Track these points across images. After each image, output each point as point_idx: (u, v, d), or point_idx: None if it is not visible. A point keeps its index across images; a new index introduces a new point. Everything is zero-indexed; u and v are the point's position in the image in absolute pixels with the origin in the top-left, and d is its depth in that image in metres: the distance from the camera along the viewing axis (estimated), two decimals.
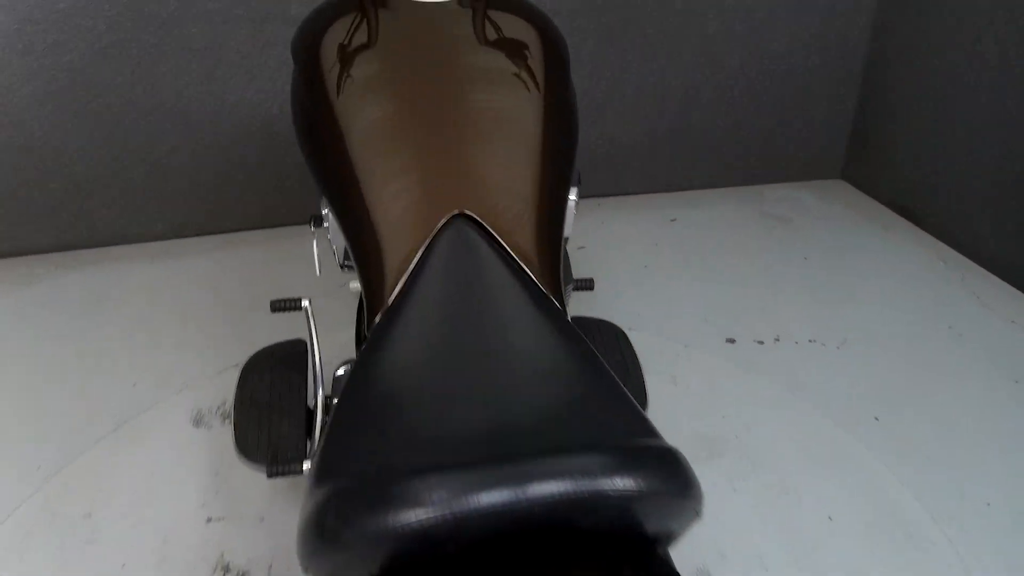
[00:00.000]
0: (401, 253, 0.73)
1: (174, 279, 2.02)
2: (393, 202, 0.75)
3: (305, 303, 1.18)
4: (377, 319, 0.69)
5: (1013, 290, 1.96)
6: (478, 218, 0.74)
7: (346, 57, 0.86)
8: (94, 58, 1.93)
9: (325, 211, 0.96)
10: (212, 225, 2.24)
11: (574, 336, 0.64)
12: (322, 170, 0.83)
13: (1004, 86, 1.91)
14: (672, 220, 2.39)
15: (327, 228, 0.97)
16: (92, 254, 2.15)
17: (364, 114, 0.82)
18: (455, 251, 0.70)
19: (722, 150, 2.52)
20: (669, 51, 2.32)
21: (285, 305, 1.17)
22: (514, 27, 0.89)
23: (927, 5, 2.16)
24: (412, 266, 0.71)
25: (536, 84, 0.84)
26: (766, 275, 2.08)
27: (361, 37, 0.88)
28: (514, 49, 0.87)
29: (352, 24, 0.89)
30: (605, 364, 0.62)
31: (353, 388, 0.60)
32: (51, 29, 1.88)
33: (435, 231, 0.73)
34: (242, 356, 1.72)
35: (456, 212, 0.74)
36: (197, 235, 2.25)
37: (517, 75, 0.84)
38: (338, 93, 0.83)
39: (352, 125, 0.81)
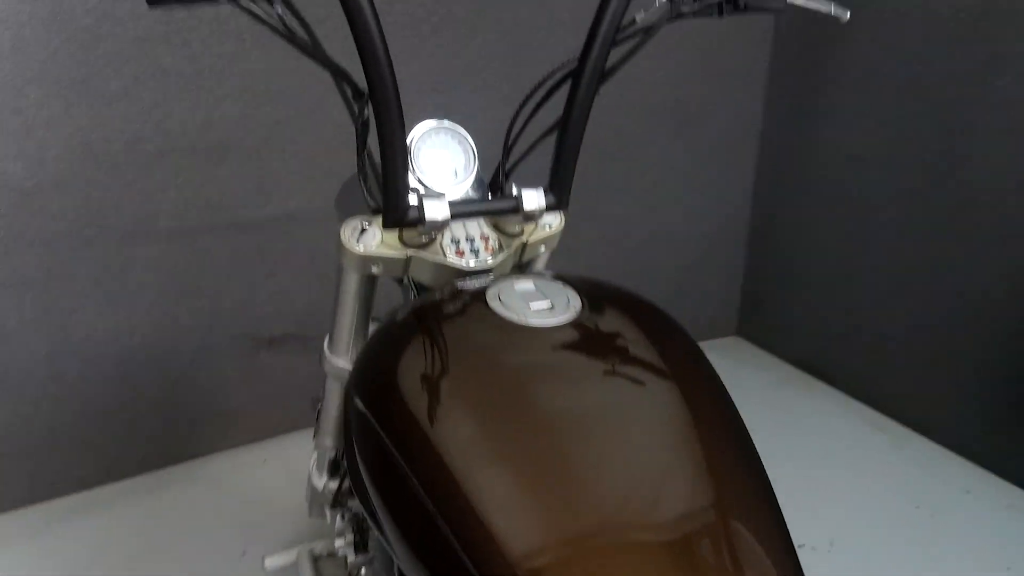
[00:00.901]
0: None
1: None
2: None
3: None
4: None
5: (953, 455, 1.99)
6: None
7: (439, 387, 0.61)
8: None
9: None
10: (36, 493, 1.72)
11: None
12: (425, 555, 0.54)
13: (899, 245, 2.02)
14: None
15: None
16: None
17: (492, 471, 0.55)
18: None
19: None
20: (577, 232, 2.23)
21: None
22: (655, 346, 0.68)
23: (800, 174, 2.29)
24: None
25: (716, 425, 0.63)
26: None
27: (452, 360, 0.64)
28: (673, 381, 0.65)
29: (433, 347, 0.65)
30: None
31: None
32: None
33: None
34: None
35: None
36: (17, 508, 1.70)
37: (690, 418, 0.62)
38: (436, 429, 0.58)
39: (481, 489, 0.54)
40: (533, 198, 0.79)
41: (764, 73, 2.35)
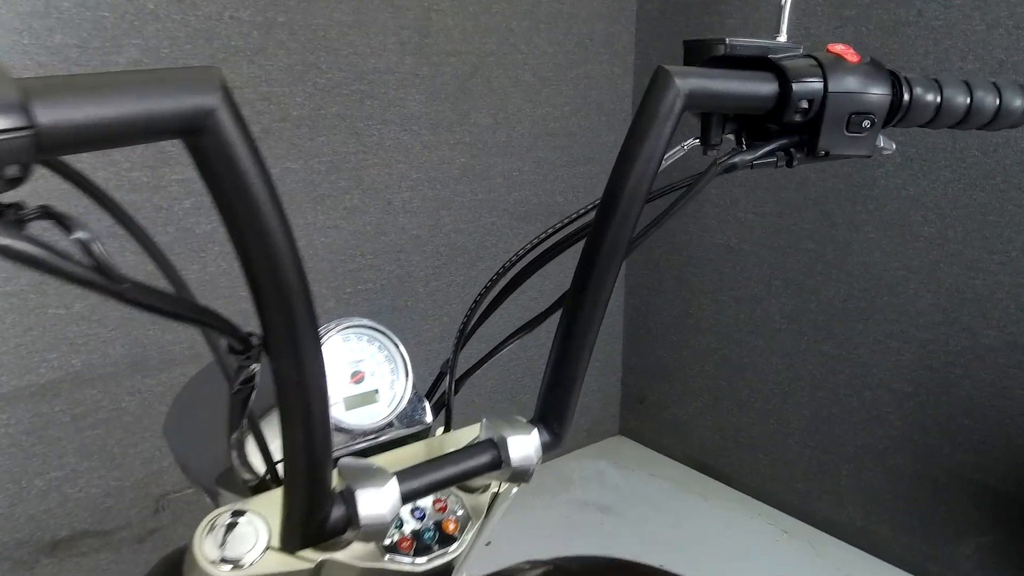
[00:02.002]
0: None
1: None
2: None
3: None
4: None
5: (870, 557, 1.88)
6: None
7: None
8: None
9: None
10: None
11: None
12: None
13: (790, 337, 1.94)
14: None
15: None
16: None
17: None
18: None
19: None
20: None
21: None
22: None
23: (674, 265, 2.18)
24: None
25: None
26: None
27: None
28: None
29: None
30: None
31: None
32: None
33: None
34: None
35: None
36: None
37: None
38: None
39: None
40: (524, 447, 0.48)
41: None
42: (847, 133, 0.49)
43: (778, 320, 1.94)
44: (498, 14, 1.83)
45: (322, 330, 0.53)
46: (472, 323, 0.57)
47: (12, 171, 0.27)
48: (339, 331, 0.54)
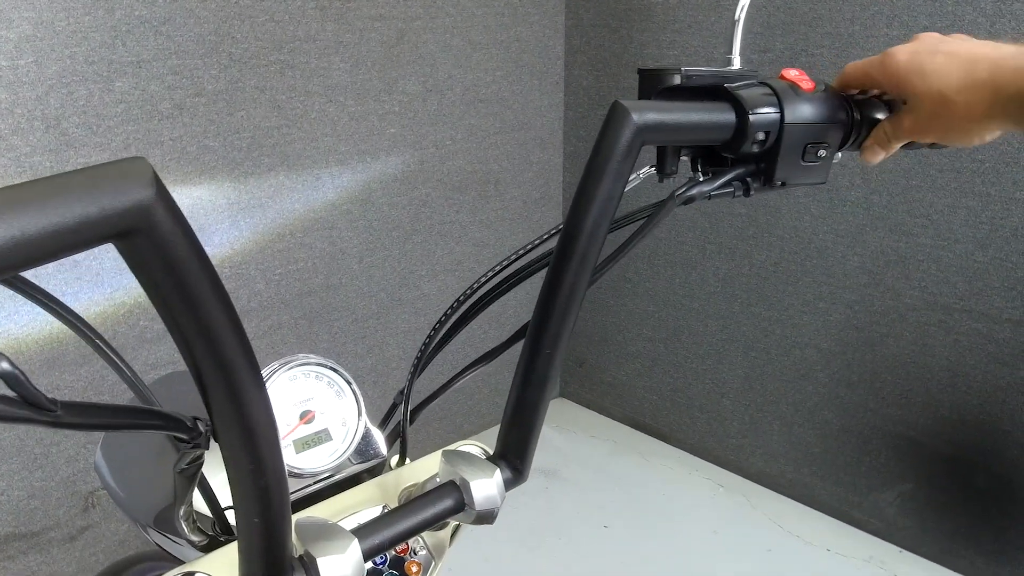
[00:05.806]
0: None
1: None
2: None
3: None
4: None
5: (805, 508, 1.97)
6: None
7: None
8: None
9: None
10: None
11: None
12: None
13: (724, 300, 1.98)
14: None
15: None
16: None
17: None
18: None
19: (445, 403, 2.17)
20: (387, 320, 1.90)
21: None
22: None
23: None
24: None
25: None
26: (588, 569, 1.74)
27: None
28: None
29: None
30: None
31: None
32: None
33: None
34: None
35: None
36: None
37: None
38: None
39: None
40: (487, 489, 0.47)
41: (560, 130, 2.20)
42: (803, 163, 0.48)
43: (712, 283, 1.98)
44: None
45: (267, 370, 0.50)
46: (428, 351, 0.54)
47: None
48: (286, 370, 0.50)
